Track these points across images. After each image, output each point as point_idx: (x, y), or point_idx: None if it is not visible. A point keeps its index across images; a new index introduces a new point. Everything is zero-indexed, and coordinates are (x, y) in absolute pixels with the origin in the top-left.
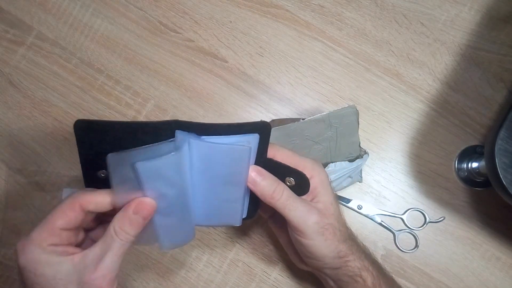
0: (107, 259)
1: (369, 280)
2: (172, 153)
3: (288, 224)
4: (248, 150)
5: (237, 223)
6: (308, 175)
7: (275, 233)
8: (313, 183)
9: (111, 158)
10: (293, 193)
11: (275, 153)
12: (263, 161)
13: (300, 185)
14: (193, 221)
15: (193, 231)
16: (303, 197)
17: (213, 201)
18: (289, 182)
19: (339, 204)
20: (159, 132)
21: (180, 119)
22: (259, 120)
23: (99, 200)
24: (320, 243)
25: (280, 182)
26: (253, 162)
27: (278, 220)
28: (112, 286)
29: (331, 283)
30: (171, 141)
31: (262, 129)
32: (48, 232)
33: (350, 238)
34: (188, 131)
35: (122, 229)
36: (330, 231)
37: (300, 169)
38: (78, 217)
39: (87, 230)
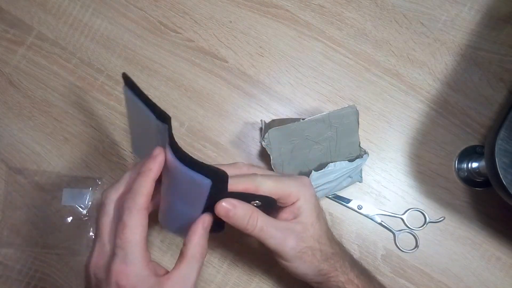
0: (193, 279)
1: None
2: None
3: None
4: (209, 185)
5: None
6: (294, 199)
7: None
8: (298, 204)
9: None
10: (268, 218)
11: (258, 185)
12: (225, 194)
13: (268, 204)
14: None
15: None
16: (285, 216)
17: (174, 210)
18: (255, 204)
19: (326, 220)
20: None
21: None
22: (259, 119)
23: (147, 190)
24: (299, 265)
25: (254, 209)
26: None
27: None
28: None
29: None
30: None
31: (216, 178)
32: (142, 250)
33: (333, 255)
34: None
35: (201, 246)
36: (309, 253)
37: (285, 195)
38: (147, 218)
39: None
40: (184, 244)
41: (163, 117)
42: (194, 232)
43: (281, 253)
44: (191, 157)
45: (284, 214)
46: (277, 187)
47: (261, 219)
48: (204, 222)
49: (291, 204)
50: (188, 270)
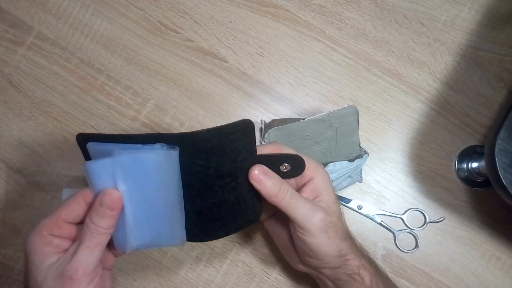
0: (79, 252)
1: (367, 278)
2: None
3: (291, 223)
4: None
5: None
6: (311, 175)
7: (272, 235)
8: (316, 182)
9: (91, 146)
10: (296, 192)
11: (282, 149)
12: (255, 157)
13: (295, 166)
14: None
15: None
16: (306, 196)
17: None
18: (285, 168)
19: (339, 204)
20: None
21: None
22: (259, 119)
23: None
24: (323, 241)
25: (284, 181)
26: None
27: (276, 222)
28: (87, 278)
29: (329, 283)
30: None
31: (245, 127)
32: (50, 222)
33: (349, 236)
34: (169, 143)
35: (92, 221)
36: (333, 229)
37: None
38: (80, 209)
39: None
40: None
41: (155, 137)
42: (94, 203)
43: (308, 225)
44: (207, 129)
45: (305, 194)
46: (297, 154)
47: (291, 190)
48: (103, 196)
49: (309, 182)
50: (78, 241)
